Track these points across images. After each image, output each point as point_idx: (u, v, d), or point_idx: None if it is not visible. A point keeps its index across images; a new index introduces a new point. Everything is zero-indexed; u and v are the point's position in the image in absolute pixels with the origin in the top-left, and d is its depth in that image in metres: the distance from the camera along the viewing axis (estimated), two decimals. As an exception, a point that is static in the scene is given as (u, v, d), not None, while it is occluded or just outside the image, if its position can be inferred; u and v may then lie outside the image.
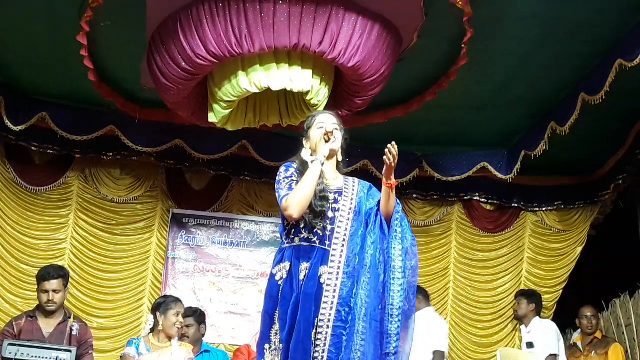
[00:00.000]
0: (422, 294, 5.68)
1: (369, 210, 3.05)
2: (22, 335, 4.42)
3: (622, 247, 6.33)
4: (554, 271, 6.60)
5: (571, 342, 6.09)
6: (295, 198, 2.91)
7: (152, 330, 4.43)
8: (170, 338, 4.39)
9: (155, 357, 4.24)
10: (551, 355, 5.72)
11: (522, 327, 6.21)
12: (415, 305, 3.03)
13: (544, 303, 6.55)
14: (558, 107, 5.28)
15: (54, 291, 4.52)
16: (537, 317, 6.08)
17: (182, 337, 4.97)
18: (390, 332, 2.88)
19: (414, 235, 3.07)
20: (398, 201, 3.06)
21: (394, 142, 2.95)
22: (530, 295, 6.16)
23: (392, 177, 2.98)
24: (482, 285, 6.64)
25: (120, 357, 4.42)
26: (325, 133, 3.07)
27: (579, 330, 6.00)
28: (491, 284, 6.65)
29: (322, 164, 3.00)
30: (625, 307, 5.83)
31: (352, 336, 2.80)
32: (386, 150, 2.94)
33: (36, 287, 4.73)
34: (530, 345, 5.92)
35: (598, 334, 5.75)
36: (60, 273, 4.67)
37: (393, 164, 2.95)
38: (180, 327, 4.52)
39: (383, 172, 2.97)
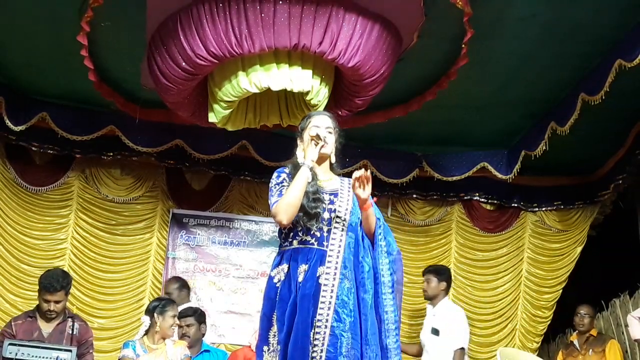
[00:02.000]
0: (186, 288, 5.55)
1: (355, 226, 3.06)
2: (21, 335, 4.41)
3: (621, 247, 6.33)
4: (554, 271, 6.61)
5: (567, 340, 6.06)
6: (282, 204, 2.93)
7: (147, 332, 4.45)
8: (164, 339, 4.41)
9: (151, 358, 4.25)
10: (460, 349, 5.34)
11: (429, 306, 5.73)
12: (400, 316, 3.06)
13: (543, 303, 6.57)
14: (558, 107, 5.29)
15: (56, 302, 4.50)
16: (447, 299, 5.62)
17: (182, 336, 4.99)
18: (389, 346, 2.93)
19: (399, 249, 3.10)
20: (379, 214, 3.06)
21: (362, 171, 2.91)
22: (441, 272, 5.64)
23: (368, 199, 2.97)
24: (482, 285, 6.65)
25: (119, 359, 4.43)
26: (311, 138, 3.06)
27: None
28: (491, 283, 6.65)
29: (310, 169, 2.99)
30: (625, 307, 5.83)
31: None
32: (354, 179, 2.90)
33: (37, 287, 4.72)
34: (435, 331, 5.36)
35: (593, 332, 5.70)
36: (64, 283, 4.55)
37: (364, 194, 2.92)
38: (176, 328, 4.55)
39: (360, 198, 2.95)
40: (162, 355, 4.30)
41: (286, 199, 2.92)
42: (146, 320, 4.47)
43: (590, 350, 5.57)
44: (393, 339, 2.93)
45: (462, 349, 5.36)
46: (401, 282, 3.08)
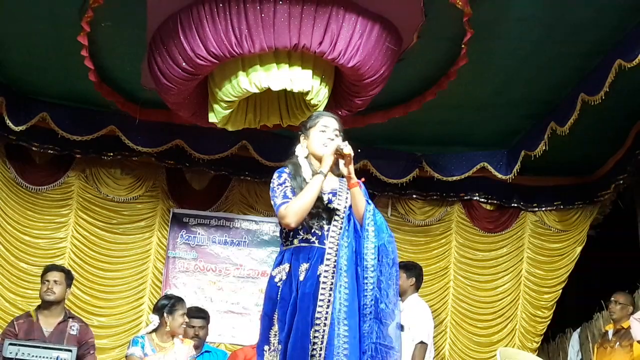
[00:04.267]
0: None
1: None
2: (23, 335, 4.43)
3: (621, 247, 6.34)
4: (554, 271, 6.61)
5: (603, 330, 5.80)
6: (293, 208, 2.92)
7: (156, 329, 4.43)
8: (173, 337, 4.40)
9: (160, 357, 4.24)
10: (421, 342, 5.18)
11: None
12: (398, 301, 3.01)
13: (543, 303, 6.58)
14: (558, 108, 5.29)
15: (55, 281, 4.58)
16: (416, 295, 5.45)
17: (194, 337, 5.02)
18: (363, 331, 2.88)
19: (392, 232, 3.05)
20: (369, 200, 3.03)
21: (346, 142, 2.99)
22: (410, 268, 5.45)
23: (354, 177, 2.99)
24: (482, 285, 6.66)
25: (126, 356, 4.42)
26: (338, 152, 3.00)
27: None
28: (491, 283, 6.66)
29: (325, 176, 2.99)
30: (626, 307, 5.82)
31: (333, 339, 2.79)
32: (338, 149, 2.97)
33: (37, 286, 4.75)
34: (400, 327, 5.13)
35: (626, 324, 5.34)
36: (64, 269, 4.80)
37: (347, 164, 2.98)
38: (185, 326, 4.54)
39: (345, 172, 2.99)
40: (170, 354, 4.28)
41: (298, 204, 2.92)
42: (155, 319, 4.45)
43: (618, 343, 5.32)
44: (367, 323, 2.88)
45: (423, 343, 5.22)
46: (397, 264, 3.05)
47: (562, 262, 6.62)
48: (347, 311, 2.83)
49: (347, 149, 2.98)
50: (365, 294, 2.91)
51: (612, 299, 5.48)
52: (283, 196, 3.00)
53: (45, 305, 4.58)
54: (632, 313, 5.33)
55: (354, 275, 2.91)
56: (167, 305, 4.47)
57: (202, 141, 6.04)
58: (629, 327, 5.27)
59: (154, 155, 6.14)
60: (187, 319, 4.58)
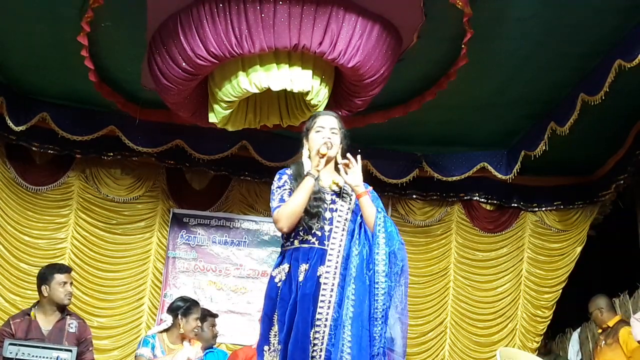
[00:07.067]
0: None
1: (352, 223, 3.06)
2: (20, 334, 4.39)
3: (621, 246, 6.34)
4: (554, 271, 6.61)
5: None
6: (284, 212, 2.94)
7: (167, 330, 4.41)
8: (184, 340, 4.38)
9: (168, 359, 4.22)
10: None
11: None
12: (406, 307, 3.03)
13: (543, 303, 6.58)
14: (558, 108, 5.29)
15: (71, 284, 4.55)
16: None
17: (214, 337, 5.03)
18: (374, 334, 2.88)
19: (402, 239, 3.05)
20: (381, 207, 3.05)
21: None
22: None
23: (360, 187, 2.99)
24: (482, 285, 6.66)
25: (135, 355, 4.40)
26: (317, 152, 3.01)
27: None
28: (491, 283, 6.66)
29: (316, 178, 2.98)
30: (625, 306, 5.84)
31: (338, 342, 2.80)
32: (343, 163, 2.96)
33: (40, 285, 4.67)
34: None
35: (610, 322, 5.46)
36: (71, 268, 4.75)
37: (349, 179, 2.98)
38: (198, 330, 4.52)
39: (347, 182, 2.99)
40: (178, 356, 4.24)
41: (288, 208, 2.93)
42: (168, 319, 4.41)
43: (604, 342, 5.43)
44: (378, 327, 2.88)
45: None
46: (407, 271, 3.06)
47: (562, 262, 6.63)
48: (353, 317, 2.84)
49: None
50: (377, 298, 2.91)
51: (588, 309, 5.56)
52: (279, 199, 3.01)
53: (47, 305, 4.54)
54: (603, 310, 5.48)
55: (363, 283, 2.92)
56: (182, 307, 4.41)
57: (202, 141, 6.04)
58: (614, 324, 5.42)
59: (154, 155, 6.14)
60: (200, 323, 4.52)
